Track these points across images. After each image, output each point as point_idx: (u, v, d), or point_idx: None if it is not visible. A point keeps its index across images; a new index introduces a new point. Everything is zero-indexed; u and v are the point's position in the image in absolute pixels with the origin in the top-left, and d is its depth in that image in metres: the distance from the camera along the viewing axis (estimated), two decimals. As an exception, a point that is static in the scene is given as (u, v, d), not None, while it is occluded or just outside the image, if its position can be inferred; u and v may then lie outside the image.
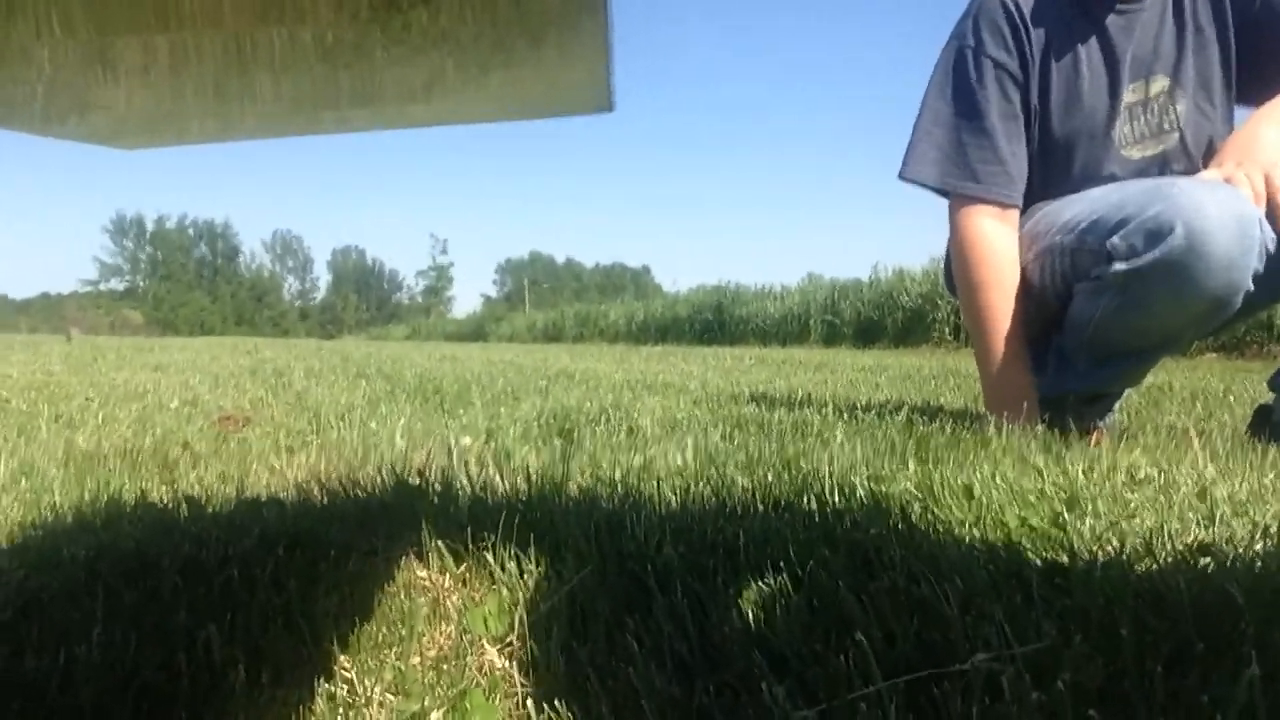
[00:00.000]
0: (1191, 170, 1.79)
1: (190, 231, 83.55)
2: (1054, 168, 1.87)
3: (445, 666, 0.74)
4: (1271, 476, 1.18)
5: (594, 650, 0.72)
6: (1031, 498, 1.04)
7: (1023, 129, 1.84)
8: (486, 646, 0.77)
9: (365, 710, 0.67)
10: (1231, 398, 2.56)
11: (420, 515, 1.02)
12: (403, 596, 0.88)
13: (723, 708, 0.62)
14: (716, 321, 14.94)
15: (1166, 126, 1.81)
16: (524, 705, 0.67)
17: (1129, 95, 1.80)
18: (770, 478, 1.25)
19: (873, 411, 2.04)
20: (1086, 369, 1.81)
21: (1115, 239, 1.60)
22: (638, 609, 0.78)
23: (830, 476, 1.21)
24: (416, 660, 0.75)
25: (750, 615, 0.76)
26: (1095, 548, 0.86)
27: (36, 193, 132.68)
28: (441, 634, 0.81)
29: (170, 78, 0.58)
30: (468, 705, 0.67)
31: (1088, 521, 0.92)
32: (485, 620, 0.81)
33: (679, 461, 1.43)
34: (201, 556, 0.96)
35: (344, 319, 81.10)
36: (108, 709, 0.67)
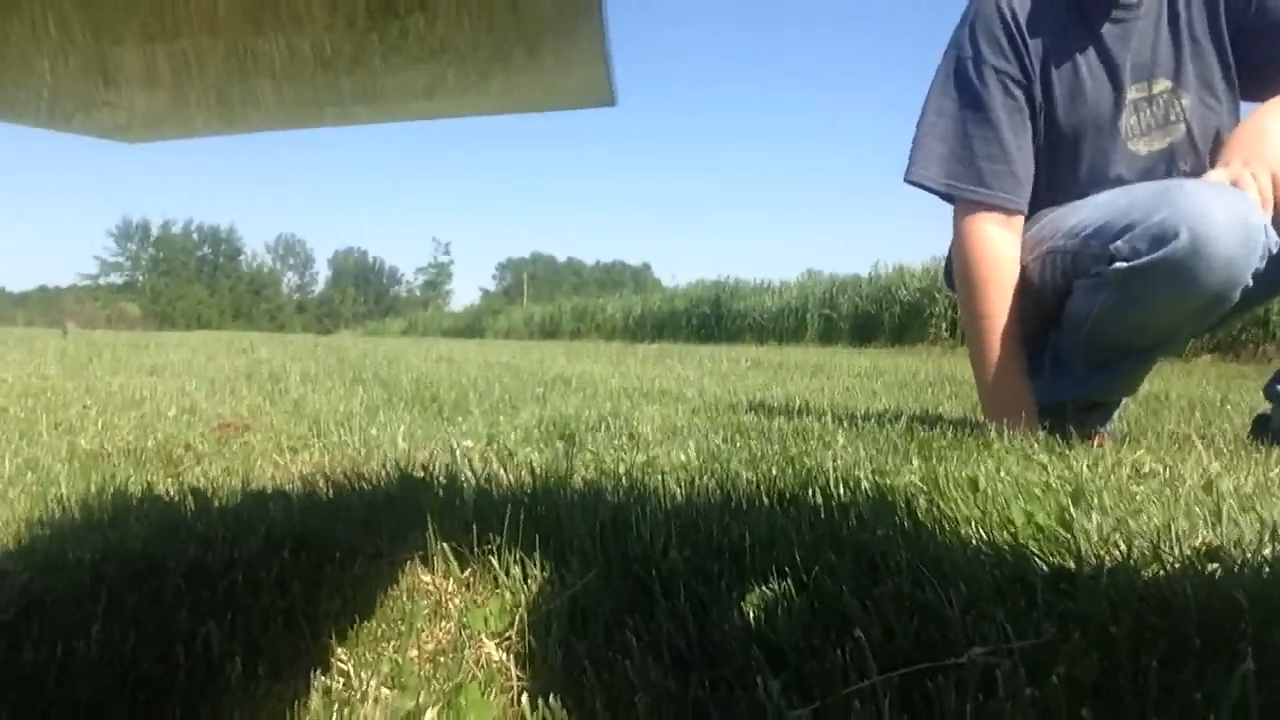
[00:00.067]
0: (1199, 166, 1.78)
1: (195, 236, 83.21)
2: (1060, 165, 1.86)
3: (442, 660, 0.74)
4: (1277, 471, 1.18)
5: (592, 646, 0.72)
6: (1037, 491, 1.04)
7: (1028, 122, 1.83)
8: (485, 640, 0.77)
9: (360, 706, 0.67)
10: (1229, 407, 2.57)
11: (425, 512, 1.02)
12: (405, 599, 0.88)
13: (717, 703, 0.63)
14: (714, 316, 14.94)
15: (1173, 118, 1.81)
16: (519, 700, 0.67)
17: (1133, 93, 1.80)
18: (774, 473, 1.25)
19: (872, 420, 2.04)
20: (1083, 374, 1.81)
21: (1119, 243, 1.60)
22: (640, 610, 0.78)
23: (834, 471, 1.21)
24: (414, 654, 0.75)
25: (751, 615, 0.76)
26: (1102, 551, 0.86)
27: (38, 188, 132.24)
28: (441, 629, 0.81)
29: (173, 84, 0.58)
30: (463, 700, 0.67)
31: (1094, 519, 0.93)
32: (486, 619, 0.81)
33: (682, 458, 1.43)
34: (207, 559, 0.96)
35: (341, 312, 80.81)
36: (105, 703, 0.67)
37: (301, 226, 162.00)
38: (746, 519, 1.00)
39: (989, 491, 1.06)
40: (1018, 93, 1.82)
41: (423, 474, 1.33)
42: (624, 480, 1.27)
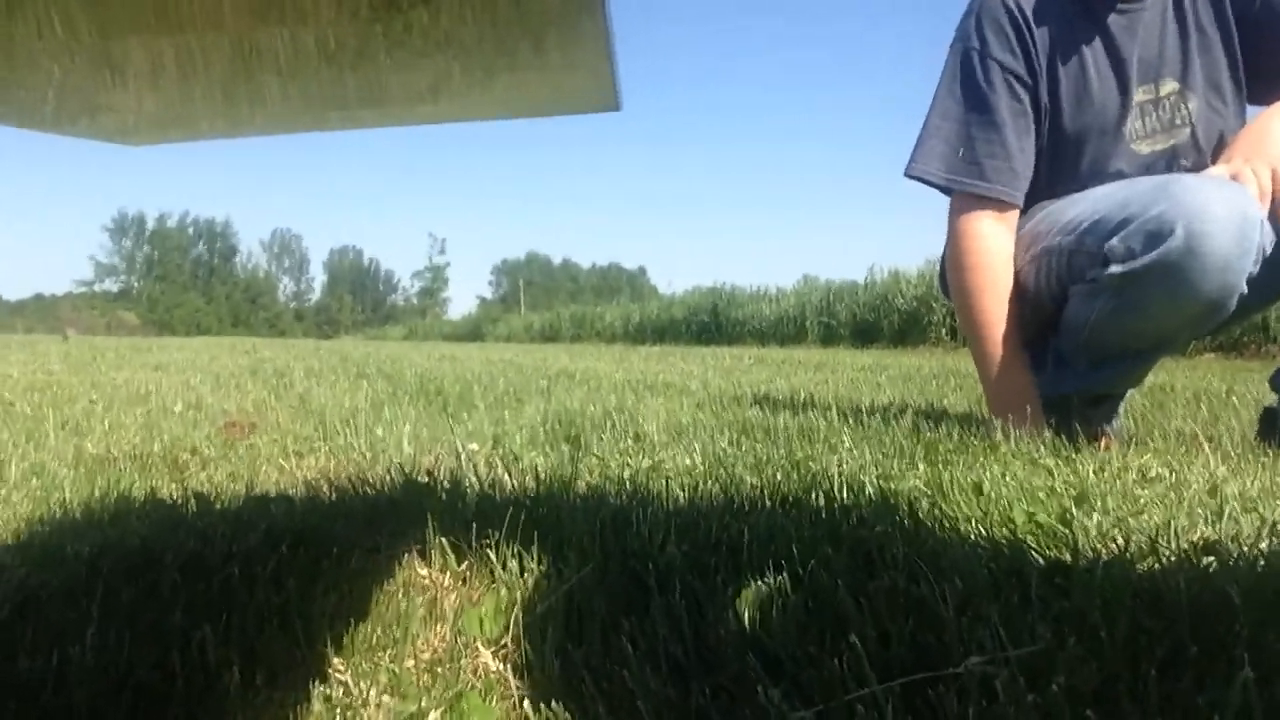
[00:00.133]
0: (1200, 166, 1.78)
1: (190, 230, 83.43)
2: (1062, 164, 1.86)
3: (440, 670, 0.74)
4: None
5: (589, 653, 0.72)
6: (1041, 495, 1.04)
7: (1032, 125, 1.83)
8: (481, 649, 0.77)
9: (362, 711, 0.67)
10: (1235, 399, 2.56)
11: (427, 512, 1.02)
12: (400, 596, 0.88)
13: (719, 709, 0.62)
14: (713, 324, 14.93)
15: (1179, 122, 1.80)
16: (520, 706, 0.67)
17: (1139, 95, 1.80)
18: (779, 477, 1.25)
19: (877, 415, 2.04)
20: (1085, 370, 1.81)
21: (1114, 241, 1.60)
22: (635, 610, 0.78)
23: (839, 475, 1.21)
24: (411, 664, 0.75)
25: (746, 617, 0.76)
26: (1100, 545, 0.86)
27: (32, 193, 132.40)
28: (436, 635, 0.81)
29: (178, 82, 0.58)
30: (465, 706, 0.67)
31: (1095, 518, 0.92)
32: (481, 622, 0.81)
33: (688, 462, 1.43)
34: (205, 553, 0.96)
35: (340, 320, 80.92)
36: (102, 710, 0.67)
37: (296, 225, 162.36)
38: (747, 519, 1.00)
39: (993, 496, 1.05)
40: (1023, 94, 1.81)
41: (427, 478, 1.33)
42: (628, 485, 1.27)
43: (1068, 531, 0.89)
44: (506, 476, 1.37)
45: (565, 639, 0.75)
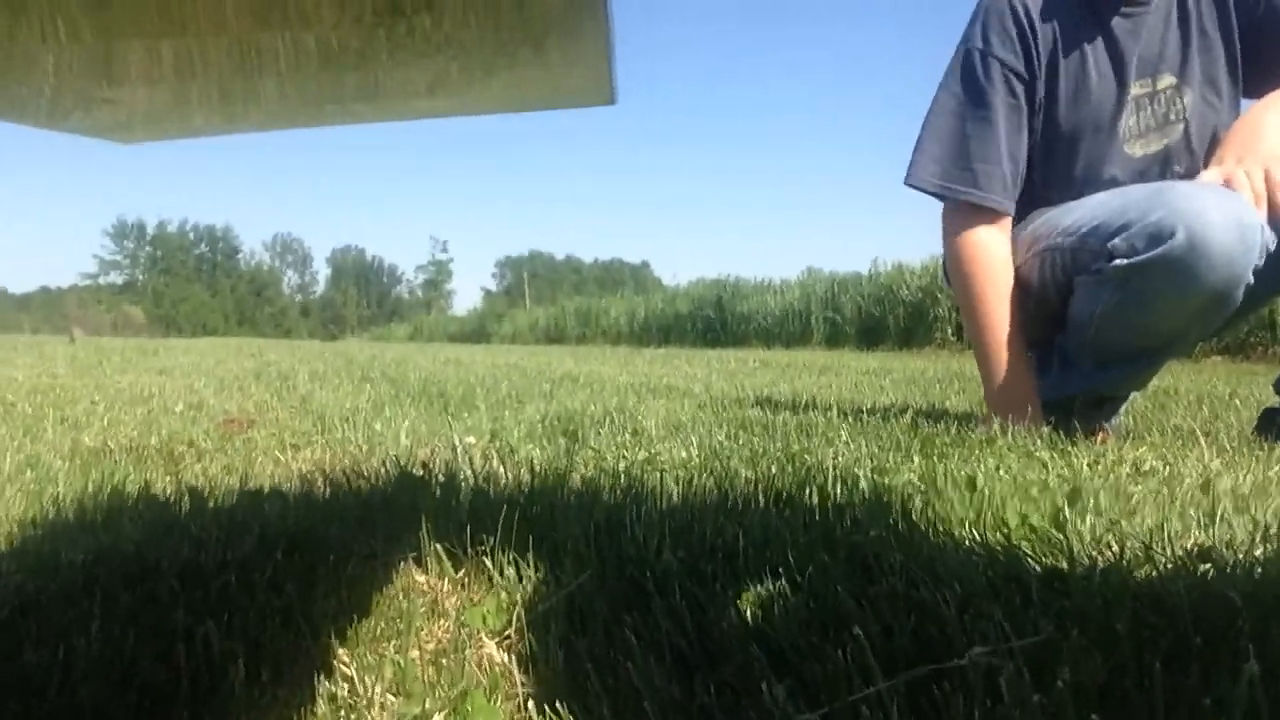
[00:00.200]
0: (1193, 168, 1.79)
1: (191, 236, 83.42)
2: (1056, 165, 1.87)
3: (444, 661, 0.73)
4: (1278, 469, 1.18)
5: (593, 644, 0.72)
6: (1034, 490, 1.04)
7: (1025, 123, 1.85)
8: (485, 640, 0.77)
9: (367, 712, 0.67)
10: (1238, 401, 2.56)
11: (421, 513, 1.02)
12: (401, 598, 0.88)
13: (724, 707, 0.62)
14: (718, 319, 14.93)
15: (1173, 117, 1.81)
16: (525, 706, 0.67)
17: (1136, 89, 1.80)
18: (774, 470, 1.25)
19: (877, 414, 2.04)
20: (1090, 370, 1.81)
21: (1117, 240, 1.60)
22: (637, 606, 0.78)
23: (834, 469, 1.20)
24: (415, 654, 0.75)
25: (749, 614, 0.76)
26: (1094, 551, 0.85)
27: (36, 188, 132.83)
28: (439, 627, 0.81)
29: (175, 82, 0.58)
30: (469, 707, 0.67)
31: (1088, 520, 0.92)
32: (484, 617, 0.81)
33: (683, 455, 1.43)
34: (200, 560, 0.96)
35: (345, 316, 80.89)
36: (107, 709, 0.67)
37: (297, 226, 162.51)
38: (741, 520, 0.99)
39: (986, 491, 1.05)
40: (1019, 89, 1.82)
41: (422, 472, 1.33)
42: (623, 479, 1.27)
43: (1061, 536, 0.89)
44: (502, 470, 1.37)
45: (569, 631, 0.75)
